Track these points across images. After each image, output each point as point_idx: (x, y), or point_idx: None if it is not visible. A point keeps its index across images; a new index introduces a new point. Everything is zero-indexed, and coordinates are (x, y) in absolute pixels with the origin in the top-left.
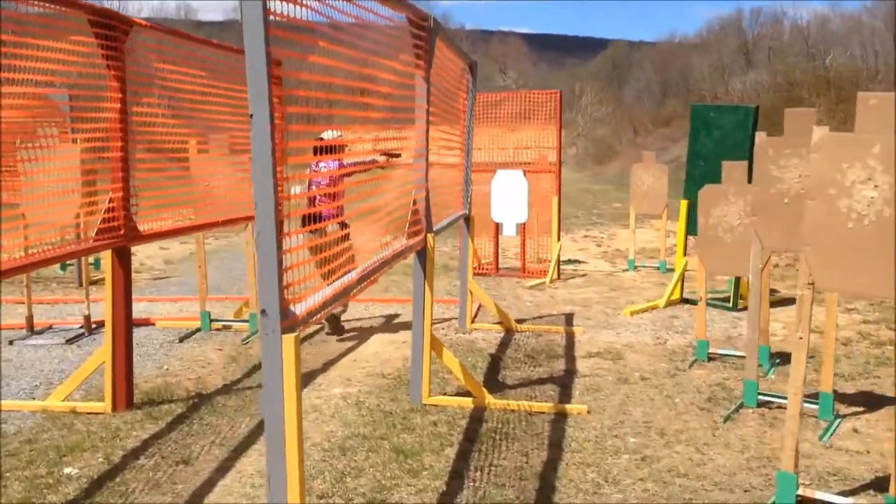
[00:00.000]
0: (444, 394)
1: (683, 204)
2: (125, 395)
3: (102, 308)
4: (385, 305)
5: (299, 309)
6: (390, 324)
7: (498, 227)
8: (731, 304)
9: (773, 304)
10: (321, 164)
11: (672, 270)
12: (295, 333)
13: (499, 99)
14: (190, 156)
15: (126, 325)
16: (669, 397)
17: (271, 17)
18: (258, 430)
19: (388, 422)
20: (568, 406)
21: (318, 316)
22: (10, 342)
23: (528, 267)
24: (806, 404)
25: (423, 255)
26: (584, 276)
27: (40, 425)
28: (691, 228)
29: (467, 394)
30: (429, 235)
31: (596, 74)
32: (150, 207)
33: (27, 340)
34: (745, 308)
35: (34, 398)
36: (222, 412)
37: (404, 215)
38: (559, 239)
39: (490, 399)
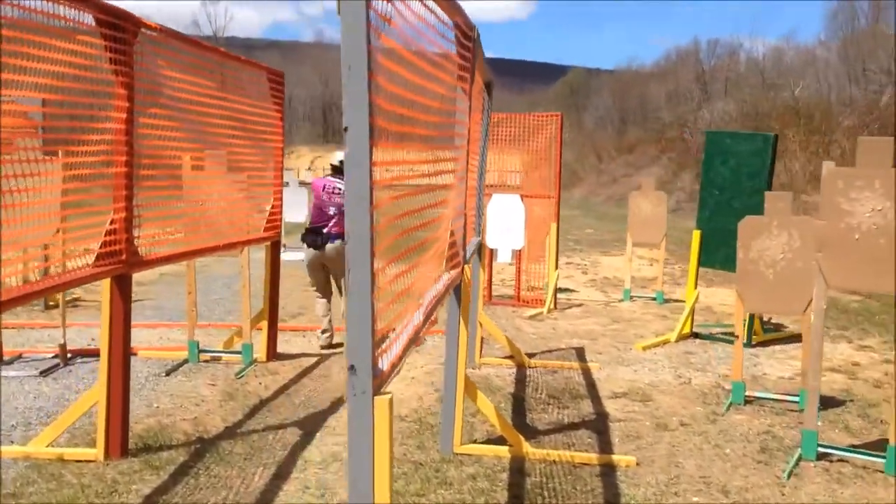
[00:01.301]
0: (474, 441)
1: (696, 234)
2: (120, 441)
3: (75, 335)
4: None
5: (384, 363)
6: None
7: (492, 254)
8: (745, 341)
9: (782, 340)
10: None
11: (669, 301)
12: (389, 395)
13: (497, 120)
14: (193, 174)
15: (124, 361)
16: (719, 447)
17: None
18: (274, 482)
19: (421, 475)
20: (614, 457)
21: (396, 370)
22: None
23: (522, 295)
24: (863, 456)
25: (458, 288)
26: (580, 305)
27: (24, 476)
28: (703, 260)
29: (500, 441)
30: (466, 267)
31: (554, 100)
32: (152, 230)
33: None
34: (759, 344)
35: (13, 441)
36: (230, 461)
37: (446, 246)
38: (557, 267)
39: (528, 448)
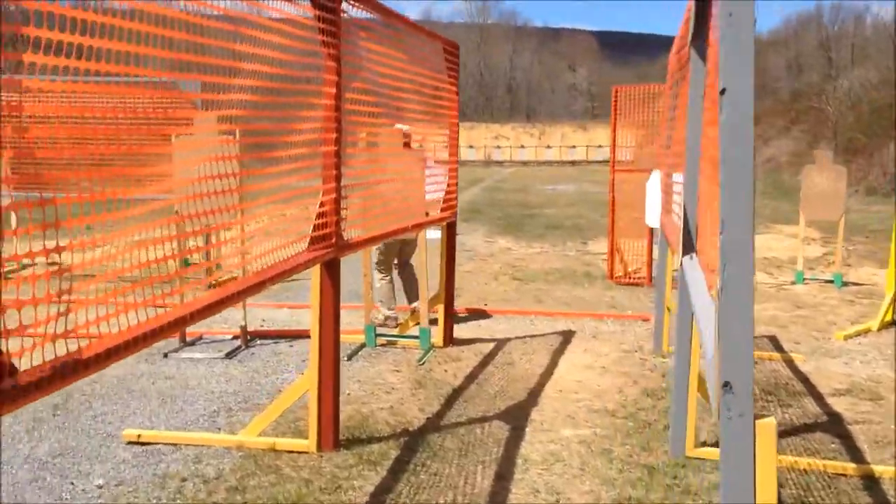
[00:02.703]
0: (704, 443)
1: None
2: (332, 432)
3: (241, 317)
4: (551, 320)
5: None
6: (570, 343)
7: (652, 233)
8: None
9: None
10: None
11: (849, 285)
12: (772, 419)
13: (656, 92)
14: (377, 151)
15: (335, 350)
16: None
17: None
18: (499, 483)
19: (658, 482)
20: (876, 468)
21: None
22: (165, 355)
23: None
24: None
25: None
26: None
27: (242, 467)
28: None
29: None
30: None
31: (663, 72)
32: (353, 212)
33: (181, 353)
34: None
35: (219, 428)
36: (444, 457)
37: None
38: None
39: None
